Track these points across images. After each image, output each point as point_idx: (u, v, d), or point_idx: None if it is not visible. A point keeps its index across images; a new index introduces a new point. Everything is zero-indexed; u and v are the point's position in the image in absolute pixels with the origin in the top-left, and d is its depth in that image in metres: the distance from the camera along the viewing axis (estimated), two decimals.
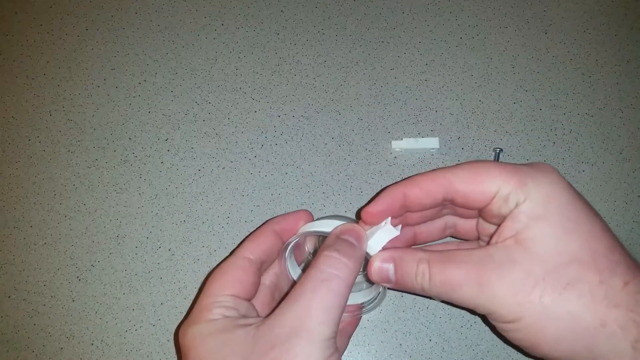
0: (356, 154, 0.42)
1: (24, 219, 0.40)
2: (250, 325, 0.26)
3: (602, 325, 0.23)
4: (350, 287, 0.26)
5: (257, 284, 0.29)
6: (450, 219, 0.32)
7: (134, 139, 0.42)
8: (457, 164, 0.28)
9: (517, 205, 0.25)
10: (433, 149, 0.41)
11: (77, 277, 0.39)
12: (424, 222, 0.31)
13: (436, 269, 0.26)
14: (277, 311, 0.25)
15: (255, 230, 0.32)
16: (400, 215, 0.30)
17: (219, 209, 0.40)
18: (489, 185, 0.26)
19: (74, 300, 0.39)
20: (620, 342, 0.23)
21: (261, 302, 0.31)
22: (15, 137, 0.43)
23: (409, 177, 0.29)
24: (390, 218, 0.29)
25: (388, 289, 0.30)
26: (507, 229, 0.26)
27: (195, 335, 0.26)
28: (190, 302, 0.38)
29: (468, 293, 0.25)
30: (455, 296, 0.26)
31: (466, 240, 0.33)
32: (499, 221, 0.27)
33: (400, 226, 0.29)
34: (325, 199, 0.40)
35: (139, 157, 0.42)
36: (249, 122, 0.43)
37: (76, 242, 0.40)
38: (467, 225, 0.32)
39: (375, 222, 0.29)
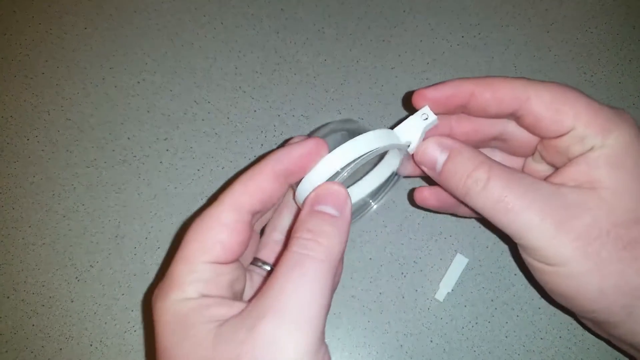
0: None
1: (23, 219, 0.40)
2: (218, 321, 0.21)
3: None
4: (333, 270, 0.22)
5: (247, 241, 0.24)
6: (492, 156, 0.28)
7: (133, 138, 0.42)
8: (543, 82, 0.25)
9: (592, 148, 0.24)
10: None
11: (76, 277, 0.39)
12: (470, 139, 0.28)
13: (497, 181, 0.24)
14: (245, 310, 0.21)
15: (249, 169, 0.24)
16: (452, 114, 0.27)
17: None
18: (570, 119, 0.24)
19: (72, 301, 0.38)
20: None
21: (274, 257, 0.27)
22: (14, 137, 0.42)
23: (479, 77, 0.26)
24: (427, 106, 0.26)
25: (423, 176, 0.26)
26: (581, 172, 0.24)
27: (163, 311, 0.22)
28: None
29: (523, 222, 0.23)
30: (506, 219, 0.24)
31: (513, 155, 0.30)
32: (560, 163, 0.25)
33: (435, 117, 0.26)
34: None
35: (138, 156, 0.42)
36: (249, 122, 0.42)
37: (75, 243, 0.40)
38: (512, 163, 0.29)
39: (422, 107, 0.26)
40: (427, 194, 0.30)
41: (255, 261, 0.28)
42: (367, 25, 0.45)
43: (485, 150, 0.30)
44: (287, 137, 0.42)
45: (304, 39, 0.45)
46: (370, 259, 0.39)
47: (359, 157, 0.23)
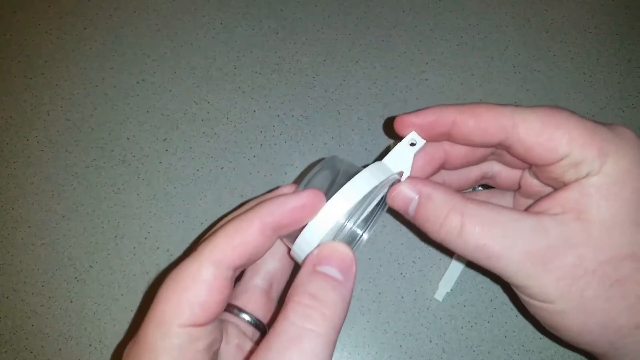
0: (356, 154, 0.41)
1: (22, 219, 0.40)
2: None
3: (637, 327, 0.22)
4: (334, 344, 0.19)
5: (227, 299, 0.21)
6: (490, 168, 0.27)
7: (132, 138, 0.42)
8: (530, 107, 0.24)
9: (588, 175, 0.22)
10: None
11: (76, 277, 0.39)
12: (458, 166, 0.26)
13: (472, 227, 0.22)
14: None
15: (234, 217, 0.22)
16: (435, 141, 0.25)
17: (217, 209, 0.40)
18: (564, 145, 0.22)
19: (72, 301, 0.38)
20: None
21: (254, 306, 0.25)
22: (14, 137, 0.42)
23: (468, 103, 0.24)
24: (414, 132, 0.24)
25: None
26: (571, 200, 0.22)
27: None
28: None
29: (505, 265, 0.22)
30: (488, 263, 0.23)
31: (501, 189, 0.29)
32: (556, 185, 0.24)
33: (424, 141, 0.24)
34: None
35: (137, 157, 0.42)
36: (248, 122, 0.42)
37: (74, 243, 0.40)
38: (509, 175, 0.27)
39: (404, 134, 0.24)
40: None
41: (231, 308, 0.25)
42: (366, 25, 0.45)
43: (485, 163, 0.28)
44: (286, 137, 0.42)
45: (303, 39, 0.45)
46: (370, 259, 0.39)
47: (359, 203, 0.22)
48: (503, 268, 0.23)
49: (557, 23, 0.45)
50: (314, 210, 0.21)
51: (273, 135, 0.42)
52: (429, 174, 0.26)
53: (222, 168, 0.41)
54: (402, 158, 0.24)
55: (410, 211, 0.24)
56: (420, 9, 0.45)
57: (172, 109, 0.43)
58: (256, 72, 0.44)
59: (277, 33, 0.45)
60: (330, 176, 0.24)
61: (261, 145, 0.42)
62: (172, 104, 0.43)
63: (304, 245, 0.22)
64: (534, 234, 0.22)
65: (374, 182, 0.22)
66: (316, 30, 0.45)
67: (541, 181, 0.25)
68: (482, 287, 0.38)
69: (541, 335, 0.37)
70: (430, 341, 0.37)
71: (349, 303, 0.21)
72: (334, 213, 0.21)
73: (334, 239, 0.22)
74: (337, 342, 0.37)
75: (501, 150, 0.25)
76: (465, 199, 0.23)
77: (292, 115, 0.42)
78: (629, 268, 0.22)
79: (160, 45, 0.45)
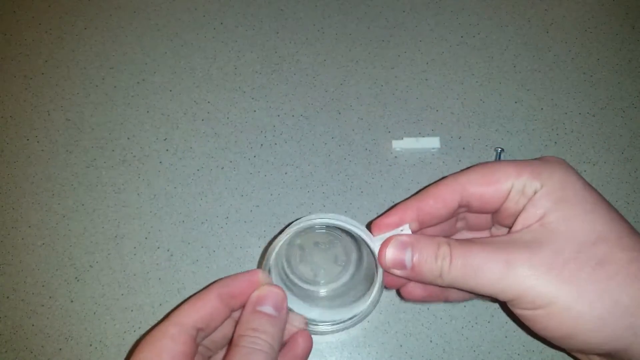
0: (356, 154, 0.41)
1: (23, 219, 0.40)
2: None
3: None
4: (276, 357, 0.25)
5: (191, 354, 0.25)
6: (464, 217, 0.31)
7: (133, 138, 0.42)
8: (466, 169, 0.28)
9: (535, 192, 0.25)
10: (434, 148, 0.41)
11: (76, 277, 0.39)
12: (433, 224, 0.29)
13: (458, 250, 0.25)
14: None
15: (196, 293, 0.28)
16: (416, 231, 0.29)
17: (218, 209, 0.40)
18: (503, 182, 0.26)
19: (72, 301, 0.38)
20: None
21: None
22: (14, 137, 0.42)
23: (420, 190, 0.28)
24: (407, 225, 0.28)
25: (394, 282, 0.28)
26: (529, 215, 0.25)
27: None
28: None
29: (493, 274, 0.24)
30: (479, 280, 0.24)
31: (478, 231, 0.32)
32: (515, 220, 0.26)
33: (407, 225, 0.28)
34: (325, 199, 0.40)
35: (138, 156, 0.42)
36: (248, 122, 0.42)
37: (75, 243, 0.40)
38: (479, 216, 0.30)
39: (381, 233, 0.28)
40: (411, 288, 0.30)
41: None
42: (366, 25, 0.45)
43: (456, 235, 0.31)
44: (286, 136, 0.42)
45: (303, 39, 0.45)
46: None
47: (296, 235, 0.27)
48: (491, 280, 0.24)
49: (558, 23, 0.45)
50: (256, 287, 0.27)
51: (273, 135, 0.42)
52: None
53: (222, 168, 0.41)
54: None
55: (408, 264, 0.26)
56: (421, 9, 0.45)
57: (172, 108, 0.43)
58: (256, 71, 0.44)
59: (278, 33, 0.45)
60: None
61: (261, 145, 0.42)
62: (172, 103, 0.43)
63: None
64: (507, 244, 0.24)
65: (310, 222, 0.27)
66: (316, 30, 0.45)
67: (507, 226, 0.28)
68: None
69: None
70: (431, 341, 0.37)
71: (284, 329, 0.27)
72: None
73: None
74: (338, 342, 0.37)
75: (463, 216, 0.30)
76: (448, 238, 0.26)
77: (293, 115, 0.42)
78: (604, 249, 0.23)
79: (160, 45, 0.45)
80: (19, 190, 0.41)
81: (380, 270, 0.28)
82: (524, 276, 0.23)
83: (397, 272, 0.27)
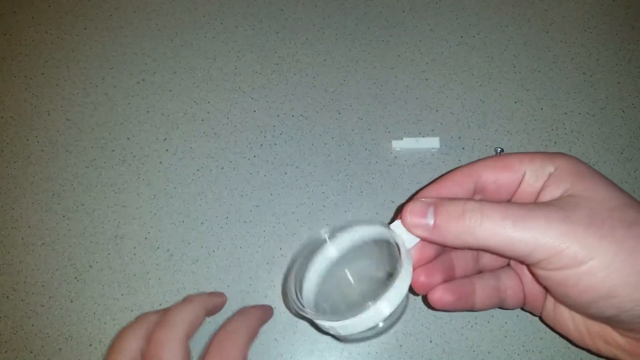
0: (356, 154, 0.41)
1: (22, 219, 0.40)
2: None
3: None
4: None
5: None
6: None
7: (133, 138, 0.42)
8: (481, 159, 0.28)
9: (549, 175, 0.26)
10: (434, 148, 0.41)
11: (76, 277, 0.39)
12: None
13: (491, 208, 0.24)
14: None
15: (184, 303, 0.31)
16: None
17: (218, 209, 0.40)
18: (518, 167, 0.27)
19: (72, 301, 0.38)
20: None
21: None
22: (14, 137, 0.42)
23: (438, 177, 0.29)
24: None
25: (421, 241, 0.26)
26: (553, 190, 0.25)
27: None
28: None
29: (533, 229, 0.23)
30: (516, 233, 0.23)
31: None
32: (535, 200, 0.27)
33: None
34: (325, 199, 0.40)
35: (138, 157, 0.42)
36: (248, 122, 0.42)
37: (74, 243, 0.40)
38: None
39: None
40: (441, 293, 0.29)
41: None
42: (366, 25, 0.45)
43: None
44: (286, 136, 0.42)
45: (303, 39, 0.45)
46: None
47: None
48: (530, 238, 0.23)
49: (557, 23, 0.45)
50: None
51: (273, 135, 0.42)
52: None
53: (222, 168, 0.41)
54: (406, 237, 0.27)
55: (430, 220, 0.25)
56: (421, 9, 0.45)
57: (172, 108, 0.43)
58: (256, 72, 0.44)
59: (277, 33, 0.45)
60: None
61: (261, 145, 0.42)
62: (172, 103, 0.43)
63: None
64: (544, 205, 0.24)
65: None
66: (316, 30, 0.45)
67: None
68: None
69: (541, 335, 0.37)
70: (431, 341, 0.37)
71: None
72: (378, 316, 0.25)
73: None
74: (337, 343, 0.37)
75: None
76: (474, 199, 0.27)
77: (292, 115, 0.42)
78: (632, 213, 0.23)
79: (160, 45, 0.45)
80: (19, 190, 0.41)
81: (404, 257, 0.25)
82: (564, 232, 0.23)
83: (419, 232, 0.26)
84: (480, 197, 0.28)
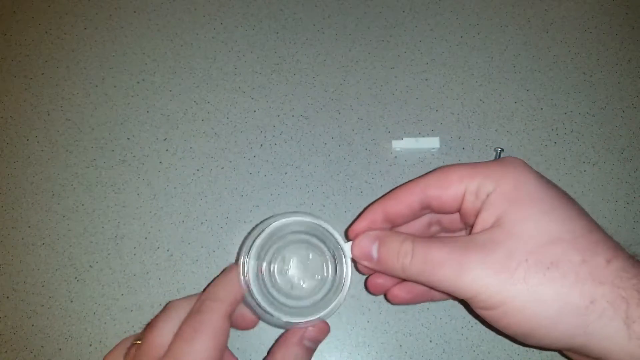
0: (356, 154, 0.41)
1: (22, 219, 0.40)
2: None
3: (592, 302, 0.23)
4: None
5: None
6: (433, 216, 0.32)
7: (133, 138, 0.42)
8: (428, 172, 0.29)
9: (488, 195, 0.26)
10: (433, 148, 0.41)
11: (76, 277, 0.39)
12: (402, 223, 0.31)
13: (420, 247, 0.26)
14: None
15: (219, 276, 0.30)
16: (387, 229, 0.30)
17: (218, 209, 0.40)
18: (456, 185, 0.27)
19: (72, 301, 0.38)
20: (611, 319, 0.22)
21: None
22: (14, 137, 0.42)
23: (387, 192, 0.30)
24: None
25: (363, 272, 0.30)
26: (487, 215, 0.26)
27: None
28: None
29: (449, 272, 0.25)
30: (436, 277, 0.25)
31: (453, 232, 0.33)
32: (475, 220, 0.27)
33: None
34: (325, 199, 0.40)
35: (138, 157, 0.42)
36: (248, 122, 0.42)
37: (74, 243, 0.40)
38: (451, 218, 0.32)
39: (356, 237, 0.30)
40: (396, 291, 0.32)
41: None
42: (366, 25, 0.45)
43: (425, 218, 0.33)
44: (286, 136, 0.42)
45: (303, 39, 0.45)
46: None
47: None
48: (447, 277, 0.25)
49: (557, 23, 0.45)
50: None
51: (273, 135, 0.42)
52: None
53: (222, 168, 0.41)
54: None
55: (375, 255, 0.28)
56: (420, 9, 0.45)
57: (172, 108, 0.43)
58: (256, 72, 0.44)
59: (277, 33, 0.45)
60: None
61: (261, 145, 0.42)
62: (172, 104, 0.43)
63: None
64: (465, 244, 0.25)
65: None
66: (316, 30, 0.45)
67: (470, 226, 0.29)
68: None
69: None
70: (431, 341, 0.37)
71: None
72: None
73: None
74: (338, 342, 0.37)
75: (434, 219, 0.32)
76: (414, 235, 0.28)
77: (292, 115, 0.42)
78: (557, 250, 0.23)
79: (160, 45, 0.45)
80: (19, 190, 0.41)
81: (348, 270, 0.30)
82: (476, 276, 0.24)
83: (366, 263, 0.29)
84: (428, 211, 0.30)
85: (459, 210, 0.28)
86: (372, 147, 0.41)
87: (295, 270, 0.32)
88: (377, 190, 0.40)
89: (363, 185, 0.41)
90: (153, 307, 0.38)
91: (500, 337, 0.37)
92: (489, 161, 0.28)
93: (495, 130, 0.42)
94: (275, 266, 0.32)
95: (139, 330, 0.38)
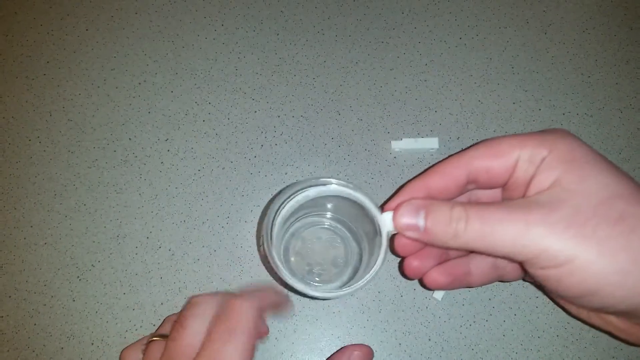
0: (356, 154, 0.42)
1: (24, 219, 0.41)
2: None
3: None
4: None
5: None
6: (471, 193, 0.31)
7: (134, 139, 0.42)
8: (471, 145, 0.28)
9: (542, 159, 0.25)
10: (433, 149, 0.41)
11: (78, 277, 0.39)
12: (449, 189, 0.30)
13: (474, 210, 0.25)
14: None
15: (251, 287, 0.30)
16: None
17: (219, 209, 0.40)
18: (510, 154, 0.26)
19: (74, 300, 0.39)
20: None
21: None
22: (15, 138, 0.43)
23: (428, 168, 0.28)
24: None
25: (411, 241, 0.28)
26: (542, 179, 0.25)
27: None
28: None
29: (512, 232, 0.23)
30: (497, 237, 0.24)
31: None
32: (526, 190, 0.26)
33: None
34: None
35: (139, 157, 0.42)
36: (249, 122, 0.43)
37: (76, 242, 0.40)
38: (490, 194, 0.31)
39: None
40: (435, 275, 0.30)
41: None
42: (366, 26, 0.45)
43: (463, 197, 0.32)
44: (286, 137, 0.42)
45: (303, 41, 0.45)
46: None
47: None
48: (510, 237, 0.24)
49: (556, 24, 0.45)
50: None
51: (274, 136, 0.42)
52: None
53: (223, 168, 0.41)
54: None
55: (421, 226, 0.26)
56: (420, 10, 0.46)
57: (173, 109, 0.43)
58: (257, 73, 0.44)
59: (278, 34, 0.45)
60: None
61: (262, 145, 0.42)
62: (173, 104, 0.43)
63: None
64: (527, 205, 0.24)
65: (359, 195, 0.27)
66: (316, 32, 0.45)
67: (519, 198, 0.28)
68: (481, 287, 0.38)
69: (539, 334, 0.37)
70: (429, 340, 0.37)
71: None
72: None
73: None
74: (337, 341, 0.37)
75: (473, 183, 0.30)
76: (460, 201, 0.26)
77: (293, 116, 0.43)
78: (622, 205, 0.23)
79: (161, 46, 0.45)
80: (21, 190, 0.41)
81: (384, 241, 0.28)
82: (542, 235, 0.23)
83: (410, 233, 0.27)
84: (474, 186, 0.28)
85: (506, 182, 0.27)
86: (371, 147, 0.42)
87: (316, 253, 0.31)
88: (376, 191, 0.41)
89: (362, 185, 0.41)
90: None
91: (498, 335, 0.37)
92: (534, 132, 0.27)
93: (494, 131, 0.42)
94: (296, 248, 0.31)
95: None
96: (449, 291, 0.38)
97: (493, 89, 0.43)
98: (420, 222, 0.26)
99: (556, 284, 0.24)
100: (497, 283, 0.38)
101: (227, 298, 0.28)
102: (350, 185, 0.28)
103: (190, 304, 0.28)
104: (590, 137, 0.42)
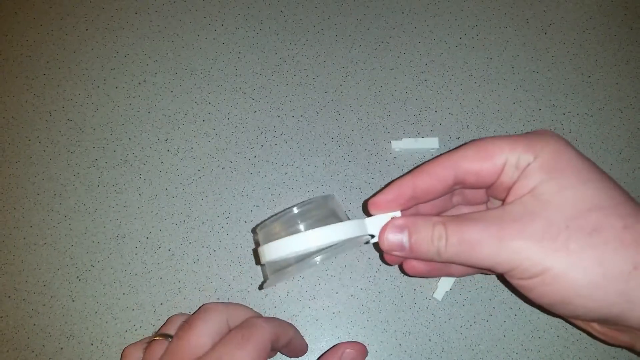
0: (356, 154, 0.42)
1: (24, 219, 0.40)
2: None
3: (635, 267, 0.22)
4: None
5: None
6: (460, 193, 0.31)
7: (134, 139, 0.42)
8: (460, 146, 0.28)
9: (528, 164, 0.25)
10: (433, 149, 0.41)
11: (77, 277, 0.39)
12: (428, 199, 0.30)
13: (453, 229, 0.25)
14: None
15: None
16: (410, 207, 0.29)
17: (218, 209, 0.40)
18: (498, 157, 0.26)
19: (73, 300, 0.39)
20: None
21: None
22: (15, 137, 0.43)
23: (414, 168, 0.28)
24: (399, 212, 0.29)
25: (398, 257, 0.29)
26: (522, 187, 0.25)
27: None
28: (190, 302, 0.38)
29: (488, 249, 0.24)
30: (475, 255, 0.25)
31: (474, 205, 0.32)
32: (507, 194, 0.27)
33: (399, 212, 0.29)
34: None
35: (139, 157, 0.42)
36: (249, 122, 0.43)
37: (76, 242, 0.40)
38: (475, 191, 0.31)
39: (379, 213, 0.29)
40: (415, 262, 0.31)
41: None
42: (366, 26, 0.45)
43: (452, 210, 0.32)
44: (286, 137, 0.42)
45: (303, 41, 0.45)
46: (370, 258, 0.39)
47: (328, 247, 0.27)
48: (486, 253, 0.24)
49: (556, 24, 0.45)
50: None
51: (274, 136, 0.42)
52: (402, 207, 0.29)
53: (223, 168, 0.41)
54: (380, 222, 0.29)
55: (406, 246, 0.27)
56: (420, 10, 0.46)
57: (173, 109, 0.43)
58: (257, 73, 0.44)
59: (278, 34, 0.45)
60: (322, 214, 0.29)
61: (262, 145, 0.42)
62: (173, 104, 0.43)
63: (272, 250, 0.28)
64: (500, 217, 0.25)
65: (342, 237, 0.27)
66: (316, 32, 0.45)
67: (502, 199, 0.28)
68: (481, 287, 0.38)
69: (540, 334, 0.37)
70: (430, 340, 0.37)
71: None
72: (306, 244, 0.27)
73: (295, 262, 0.28)
74: (337, 341, 0.37)
75: (459, 191, 0.30)
76: (443, 216, 0.27)
77: (293, 116, 0.43)
78: (598, 217, 0.23)
79: (161, 46, 0.45)
80: (21, 190, 0.41)
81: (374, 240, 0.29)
82: (517, 248, 0.24)
83: (397, 253, 0.28)
84: (460, 187, 0.28)
85: (492, 184, 0.27)
86: (371, 147, 0.42)
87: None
88: (376, 191, 0.41)
89: (363, 185, 0.41)
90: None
91: (499, 336, 0.37)
92: (525, 133, 0.27)
93: (494, 131, 0.42)
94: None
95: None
96: (449, 291, 0.38)
97: (493, 88, 0.43)
98: (405, 242, 0.27)
99: (533, 293, 0.25)
100: (498, 283, 0.38)
101: (239, 310, 0.29)
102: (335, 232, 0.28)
103: (201, 309, 0.29)
104: (590, 137, 0.42)
